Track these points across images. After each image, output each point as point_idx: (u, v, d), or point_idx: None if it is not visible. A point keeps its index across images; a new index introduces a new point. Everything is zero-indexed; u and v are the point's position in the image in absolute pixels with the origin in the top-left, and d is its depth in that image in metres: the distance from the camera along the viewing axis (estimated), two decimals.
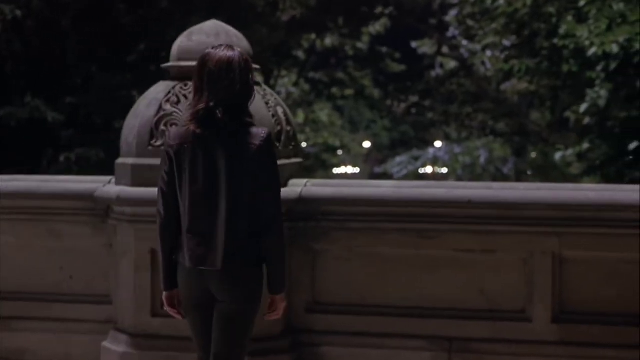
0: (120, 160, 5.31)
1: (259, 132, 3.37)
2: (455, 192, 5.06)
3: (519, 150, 28.18)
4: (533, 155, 28.61)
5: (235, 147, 3.33)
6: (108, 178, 5.51)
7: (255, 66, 5.41)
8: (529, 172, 28.61)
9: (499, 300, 5.06)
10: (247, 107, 3.39)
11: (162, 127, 5.15)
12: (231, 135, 3.33)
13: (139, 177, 5.13)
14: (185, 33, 5.42)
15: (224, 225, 3.34)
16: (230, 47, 3.43)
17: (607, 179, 12.48)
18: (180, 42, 5.39)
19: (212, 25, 5.38)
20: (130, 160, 5.20)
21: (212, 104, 3.30)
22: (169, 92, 5.23)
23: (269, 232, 3.40)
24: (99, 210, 5.41)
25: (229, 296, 3.42)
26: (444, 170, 30.88)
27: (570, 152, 12.82)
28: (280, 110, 5.42)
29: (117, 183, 5.31)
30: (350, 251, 5.12)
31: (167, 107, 5.19)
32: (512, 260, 5.05)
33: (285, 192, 4.67)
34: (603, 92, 11.29)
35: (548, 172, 28.81)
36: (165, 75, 5.51)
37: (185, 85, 5.22)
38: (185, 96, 5.19)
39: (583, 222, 4.93)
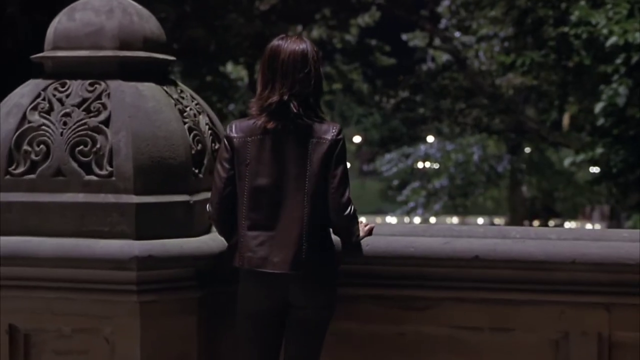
0: None
1: (330, 127, 3.30)
2: (457, 243, 3.47)
3: (514, 147, 27.06)
4: (527, 150, 27.44)
5: (308, 142, 3.27)
6: None
7: (168, 57, 3.85)
8: (523, 169, 27.53)
9: None
10: (319, 100, 3.34)
11: (25, 147, 3.53)
12: (303, 130, 3.27)
13: None
14: (66, 10, 3.78)
15: (297, 223, 3.25)
16: (300, 38, 3.36)
17: (624, 188, 10.92)
18: (58, 23, 3.76)
19: None
20: None
21: (286, 97, 3.22)
22: (39, 96, 3.62)
23: (342, 228, 3.36)
24: None
25: (310, 301, 3.31)
26: (436, 165, 29.74)
27: (581, 157, 11.22)
28: (203, 122, 3.79)
29: None
30: None
31: (34, 117, 3.57)
32: (538, 342, 3.55)
33: (198, 243, 3.52)
34: (622, 89, 9.70)
35: (543, 171, 27.61)
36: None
37: (63, 85, 3.62)
38: (60, 101, 3.58)
39: None
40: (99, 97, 3.56)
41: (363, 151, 44.40)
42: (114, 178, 3.47)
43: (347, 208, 3.28)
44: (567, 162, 11.89)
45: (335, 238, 3.41)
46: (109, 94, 3.56)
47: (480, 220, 42.41)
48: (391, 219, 40.73)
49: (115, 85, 3.59)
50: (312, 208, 3.25)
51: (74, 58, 3.67)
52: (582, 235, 3.51)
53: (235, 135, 3.32)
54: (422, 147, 29.94)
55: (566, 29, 10.84)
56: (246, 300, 3.37)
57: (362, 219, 3.59)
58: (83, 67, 3.64)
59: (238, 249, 3.31)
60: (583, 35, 10.19)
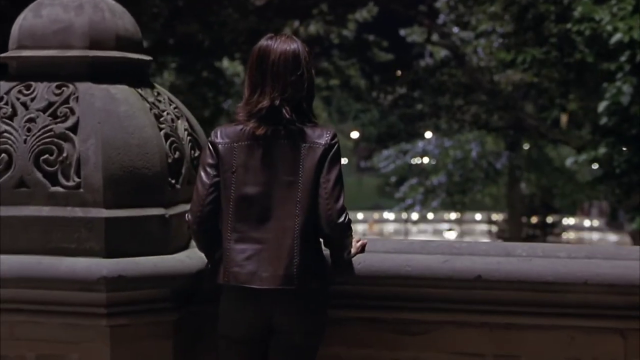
0: None
1: (324, 131, 3.06)
2: (457, 262, 3.17)
3: (512, 144, 26.85)
4: (526, 147, 27.23)
5: (300, 148, 3.03)
6: None
7: (144, 57, 3.55)
8: (521, 165, 27.35)
9: None
10: (312, 104, 3.12)
11: None
12: (295, 135, 3.03)
13: None
14: (33, 5, 3.48)
15: (288, 234, 2.99)
16: (290, 37, 3.12)
17: (627, 189, 10.61)
18: (23, 20, 3.46)
19: None
20: None
21: (277, 102, 2.98)
22: (1, 99, 3.36)
23: (334, 239, 3.07)
24: None
25: (297, 326, 3.03)
26: (434, 161, 29.54)
27: (583, 157, 10.91)
28: (181, 127, 3.49)
29: None
30: None
31: None
32: None
33: (174, 261, 3.24)
34: (626, 87, 9.37)
35: (542, 167, 27.39)
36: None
37: (28, 88, 3.32)
38: (25, 105, 3.28)
39: None
40: (66, 100, 3.27)
41: (360, 147, 44.15)
42: (81, 190, 3.18)
43: (341, 215, 2.99)
44: (569, 162, 11.57)
45: (325, 253, 3.12)
46: (77, 98, 3.27)
47: (479, 216, 42.24)
48: (389, 215, 40.53)
49: (84, 88, 3.29)
50: (304, 219, 2.98)
51: (40, 58, 3.37)
52: (594, 253, 3.21)
53: (221, 140, 3.06)
54: (420, 144, 29.72)
55: (568, 26, 10.53)
56: (229, 321, 3.08)
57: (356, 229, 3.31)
58: (50, 68, 3.35)
59: (223, 263, 3.03)
60: (586, 31, 9.88)
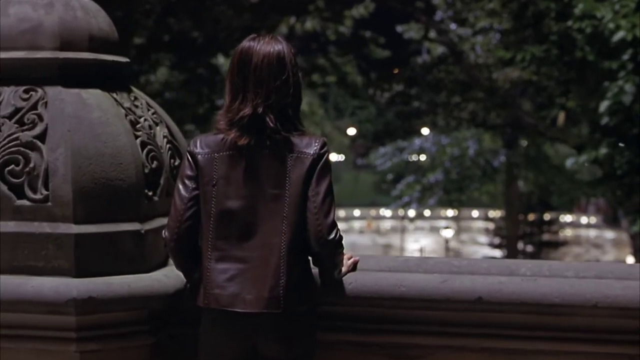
0: None
1: (312, 140, 2.85)
2: (456, 281, 2.93)
3: (510, 141, 26.72)
4: (524, 144, 27.11)
5: (287, 158, 2.82)
6: None
7: (120, 59, 3.31)
8: (519, 163, 27.24)
9: None
10: (299, 110, 2.90)
11: None
12: (281, 144, 2.82)
13: None
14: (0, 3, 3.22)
15: (274, 252, 2.78)
16: (275, 38, 2.89)
17: (628, 190, 10.40)
18: None
19: None
20: None
21: (260, 109, 2.77)
22: None
23: (324, 257, 2.85)
24: None
25: (284, 353, 2.83)
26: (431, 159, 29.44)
27: (584, 157, 10.70)
28: (160, 134, 3.25)
29: None
30: None
31: None
32: None
33: (149, 281, 3.02)
34: (628, 87, 9.16)
35: (540, 165, 27.26)
36: None
37: None
38: None
39: None
40: (34, 106, 3.03)
41: (357, 144, 44.05)
42: (49, 203, 2.94)
43: (331, 231, 2.76)
44: (569, 162, 11.36)
45: (314, 272, 2.89)
46: (46, 103, 3.03)
47: (475, 213, 42.14)
48: (386, 212, 40.40)
49: (54, 92, 3.05)
50: (291, 235, 2.76)
51: (6, 60, 3.12)
52: (604, 272, 2.97)
53: (200, 150, 2.84)
54: (417, 141, 29.62)
55: (569, 23, 10.32)
56: (209, 348, 2.85)
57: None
58: (17, 71, 3.11)
59: (202, 284, 2.80)
60: (587, 29, 9.67)
